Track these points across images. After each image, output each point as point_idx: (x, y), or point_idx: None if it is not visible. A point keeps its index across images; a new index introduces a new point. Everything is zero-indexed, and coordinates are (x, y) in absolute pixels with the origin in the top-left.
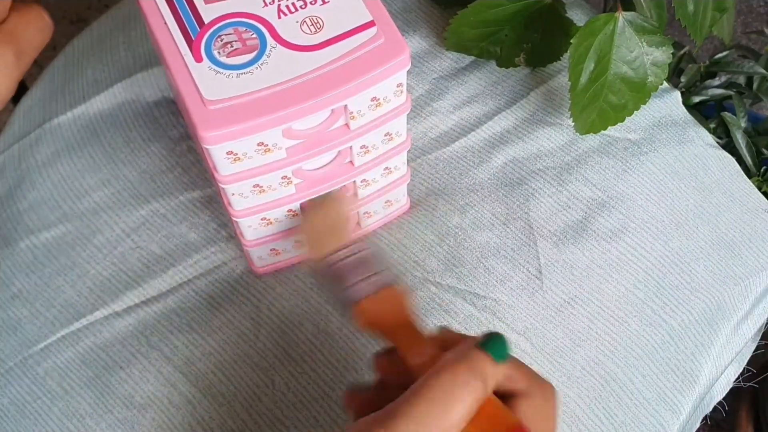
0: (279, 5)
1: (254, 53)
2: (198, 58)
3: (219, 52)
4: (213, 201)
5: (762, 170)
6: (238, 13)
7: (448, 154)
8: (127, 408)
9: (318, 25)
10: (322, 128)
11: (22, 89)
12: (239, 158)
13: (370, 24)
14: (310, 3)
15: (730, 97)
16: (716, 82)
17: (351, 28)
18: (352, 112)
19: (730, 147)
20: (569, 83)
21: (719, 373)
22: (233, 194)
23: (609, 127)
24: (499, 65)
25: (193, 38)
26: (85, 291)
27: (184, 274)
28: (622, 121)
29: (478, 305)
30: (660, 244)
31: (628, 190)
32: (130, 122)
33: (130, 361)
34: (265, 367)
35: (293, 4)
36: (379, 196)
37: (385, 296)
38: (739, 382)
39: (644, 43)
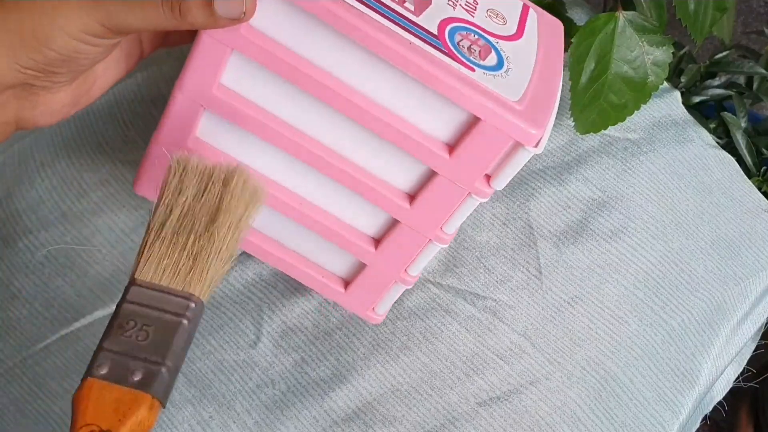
0: (460, 5)
1: (492, 51)
2: (468, 68)
3: (474, 58)
4: None
5: (762, 170)
6: (446, 19)
7: None
8: None
9: (500, 15)
10: None
11: None
12: None
13: (525, 7)
14: None
15: (730, 97)
16: (716, 82)
17: (518, 11)
18: None
19: (730, 147)
20: (569, 83)
21: (719, 373)
22: None
23: (609, 127)
24: None
25: (444, 51)
26: (85, 291)
27: None
28: (623, 120)
29: (478, 305)
30: (660, 244)
31: (628, 190)
32: (129, 122)
33: None
34: (264, 366)
35: (467, 0)
36: None
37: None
38: (739, 382)
39: (645, 43)
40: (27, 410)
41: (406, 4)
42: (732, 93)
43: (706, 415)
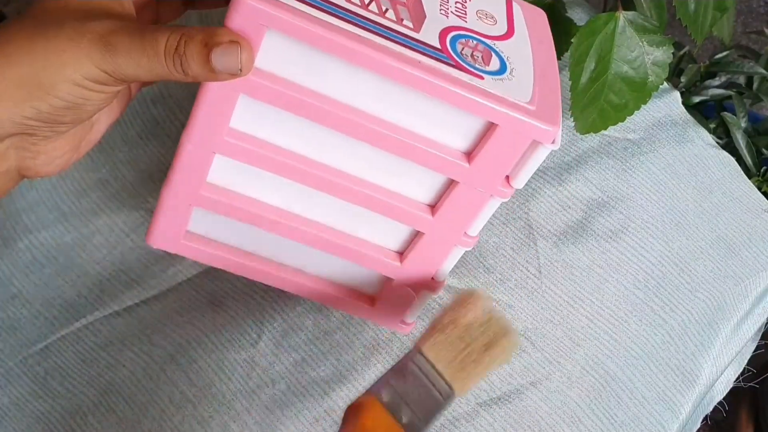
0: (451, 12)
1: (493, 55)
2: (477, 77)
3: (479, 65)
4: None
5: (762, 170)
6: (444, 30)
7: None
8: (129, 407)
9: (489, 15)
10: None
11: None
12: None
13: (508, 2)
14: (462, 1)
15: (730, 97)
16: (716, 82)
17: (503, 8)
18: None
19: (730, 147)
20: (570, 83)
21: (719, 373)
22: None
23: (609, 127)
24: None
25: (452, 63)
26: (85, 291)
27: (184, 274)
28: (623, 120)
29: None
30: (660, 244)
31: (628, 190)
32: (129, 121)
33: (132, 359)
34: (265, 366)
35: (456, 6)
36: None
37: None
38: (739, 382)
39: (645, 43)
40: (28, 410)
41: (405, 22)
42: (732, 93)
43: (706, 415)
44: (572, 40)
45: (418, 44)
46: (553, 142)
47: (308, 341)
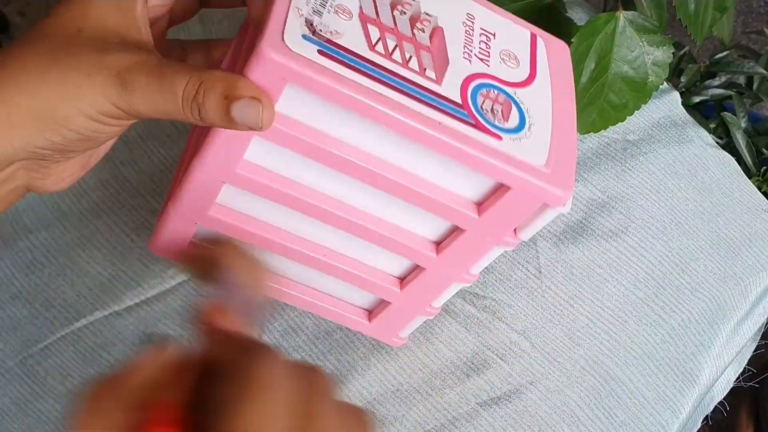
0: (475, 55)
1: (513, 107)
2: (496, 137)
3: (498, 122)
4: None
5: (762, 170)
6: (466, 79)
7: None
8: None
9: (512, 55)
10: None
11: None
12: None
13: (533, 37)
14: (486, 40)
15: (730, 97)
16: (716, 82)
17: (527, 46)
18: None
19: (730, 147)
20: None
21: (719, 373)
22: None
23: (609, 128)
24: None
25: (471, 122)
26: (85, 291)
27: (184, 274)
28: (623, 120)
29: (477, 305)
30: (660, 243)
31: (628, 190)
32: None
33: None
34: None
35: (480, 47)
36: None
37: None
38: (740, 382)
39: (645, 43)
40: (28, 410)
41: (428, 72)
42: (732, 93)
43: (706, 415)
44: (572, 40)
45: (439, 100)
46: (563, 206)
47: (308, 341)
